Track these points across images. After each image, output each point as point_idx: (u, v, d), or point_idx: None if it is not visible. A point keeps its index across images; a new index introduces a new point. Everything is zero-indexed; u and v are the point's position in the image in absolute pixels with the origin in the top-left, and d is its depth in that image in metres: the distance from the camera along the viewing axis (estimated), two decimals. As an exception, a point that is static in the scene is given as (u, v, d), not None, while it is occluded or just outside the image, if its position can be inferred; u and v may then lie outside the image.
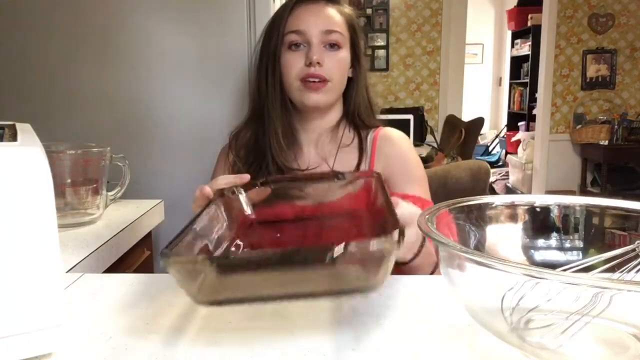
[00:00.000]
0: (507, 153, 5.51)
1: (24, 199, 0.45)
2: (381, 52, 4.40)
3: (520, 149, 4.83)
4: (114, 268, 0.96)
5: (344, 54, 0.97)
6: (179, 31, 1.42)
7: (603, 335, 0.46)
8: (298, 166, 1.00)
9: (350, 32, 0.99)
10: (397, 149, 1.00)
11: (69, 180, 0.99)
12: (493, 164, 5.62)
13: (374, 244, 0.40)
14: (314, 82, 0.94)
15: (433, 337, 0.52)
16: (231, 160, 1.03)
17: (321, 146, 1.02)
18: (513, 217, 0.62)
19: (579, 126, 4.06)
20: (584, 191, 4.16)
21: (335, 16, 0.97)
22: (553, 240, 0.61)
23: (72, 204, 1.01)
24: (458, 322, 0.54)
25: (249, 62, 1.43)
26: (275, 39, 0.96)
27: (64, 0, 1.40)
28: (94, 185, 1.02)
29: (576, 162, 4.22)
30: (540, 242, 0.61)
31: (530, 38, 5.00)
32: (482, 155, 5.79)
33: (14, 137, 0.53)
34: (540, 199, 0.62)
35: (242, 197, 0.68)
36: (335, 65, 0.95)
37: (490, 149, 6.04)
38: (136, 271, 1.12)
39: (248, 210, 0.68)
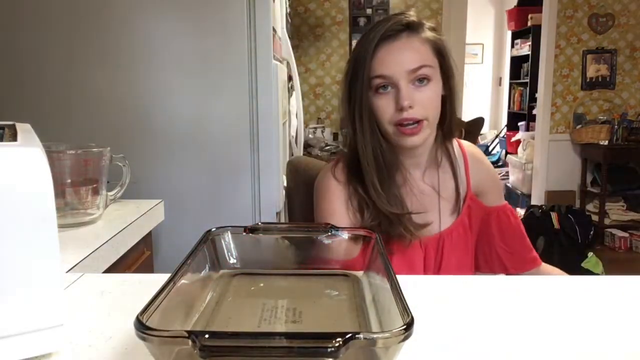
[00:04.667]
0: (507, 153, 5.51)
1: (24, 199, 0.45)
2: (381, 52, 4.39)
3: (520, 149, 4.83)
4: (114, 268, 0.96)
5: (435, 85, 0.91)
6: (179, 31, 1.42)
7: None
8: (408, 204, 0.97)
9: (439, 58, 0.92)
10: (486, 169, 1.08)
11: (69, 180, 0.99)
12: (493, 164, 5.60)
13: (381, 341, 0.37)
14: (408, 125, 0.89)
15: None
16: (347, 195, 0.97)
17: (427, 170, 1.02)
18: None
19: (579, 126, 4.06)
20: (584, 191, 4.16)
21: (419, 48, 0.90)
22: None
23: (72, 204, 1.01)
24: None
25: (248, 62, 1.43)
26: (360, 83, 0.90)
27: (65, 1, 1.40)
28: (94, 185, 1.02)
29: (576, 162, 4.22)
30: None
31: (530, 38, 5.00)
32: (482, 155, 5.77)
33: (14, 137, 0.53)
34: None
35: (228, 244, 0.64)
36: (428, 102, 0.90)
37: (490, 149, 6.04)
38: (136, 271, 1.12)
39: (232, 258, 0.63)
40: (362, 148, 0.93)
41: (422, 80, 0.90)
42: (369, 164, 0.93)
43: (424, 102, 0.89)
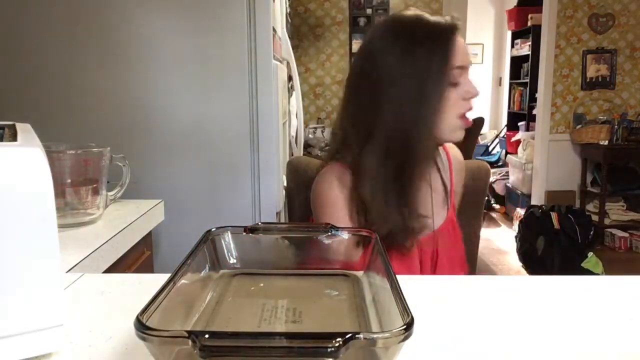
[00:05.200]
0: (507, 153, 5.51)
1: (24, 199, 0.45)
2: (381, 52, 4.39)
3: (520, 149, 4.83)
4: (114, 268, 0.96)
5: None
6: (179, 31, 1.42)
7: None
8: (427, 205, 0.98)
9: None
10: (463, 177, 1.11)
11: (69, 180, 0.99)
12: (493, 164, 5.61)
13: (381, 341, 0.37)
14: (468, 118, 0.93)
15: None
16: (351, 204, 0.93)
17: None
18: None
19: (579, 126, 4.06)
20: (584, 191, 4.16)
21: None
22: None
23: (72, 204, 1.01)
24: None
25: (248, 62, 1.43)
26: (440, 76, 0.88)
27: (65, 1, 1.40)
28: (94, 185, 1.02)
29: (576, 162, 4.22)
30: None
31: (530, 38, 5.00)
32: (482, 155, 5.78)
33: (14, 137, 0.53)
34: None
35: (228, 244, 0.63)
36: None
37: (490, 149, 6.03)
38: (136, 271, 1.12)
39: (232, 258, 0.63)
40: (426, 149, 0.92)
41: None
42: (416, 164, 0.92)
43: None
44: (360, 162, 0.91)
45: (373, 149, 0.90)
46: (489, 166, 1.28)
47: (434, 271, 0.99)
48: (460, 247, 1.06)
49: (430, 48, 0.88)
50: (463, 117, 0.92)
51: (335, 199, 0.94)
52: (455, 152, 1.10)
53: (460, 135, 0.94)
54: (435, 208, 1.01)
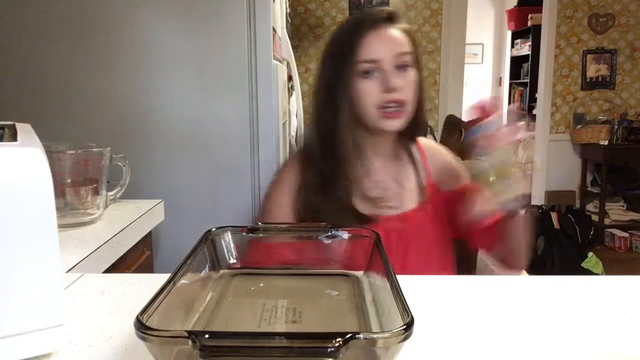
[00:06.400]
0: (507, 153, 5.51)
1: (24, 199, 0.45)
2: (381, 52, 4.39)
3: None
4: (114, 268, 0.96)
5: (413, 72, 0.98)
6: (179, 31, 1.42)
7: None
8: (372, 187, 1.01)
9: (413, 48, 0.99)
10: (443, 158, 1.12)
11: (69, 180, 0.99)
12: (493, 164, 5.61)
13: (381, 341, 0.37)
14: (392, 109, 0.94)
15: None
16: (296, 184, 1.02)
17: (386, 161, 1.06)
18: None
19: (579, 126, 4.06)
20: (583, 191, 4.16)
21: (401, 37, 0.97)
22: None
23: (72, 204, 1.01)
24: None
25: (248, 62, 1.43)
26: (345, 67, 0.95)
27: (64, 1, 1.40)
28: (94, 185, 1.02)
29: (576, 162, 4.21)
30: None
31: (530, 38, 5.00)
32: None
33: (14, 137, 0.53)
34: None
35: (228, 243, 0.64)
36: (408, 86, 0.96)
37: (490, 149, 6.03)
38: (136, 271, 1.12)
39: (232, 258, 0.63)
40: (342, 133, 0.98)
41: (404, 66, 0.96)
42: (344, 147, 0.98)
43: (406, 85, 0.96)
44: (304, 148, 1.05)
45: (312, 135, 1.03)
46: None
47: (405, 257, 0.98)
48: (440, 242, 1.05)
49: (340, 41, 0.98)
50: (381, 107, 0.94)
51: (281, 178, 1.05)
52: (426, 141, 1.12)
53: (387, 125, 0.96)
54: (406, 198, 1.03)
